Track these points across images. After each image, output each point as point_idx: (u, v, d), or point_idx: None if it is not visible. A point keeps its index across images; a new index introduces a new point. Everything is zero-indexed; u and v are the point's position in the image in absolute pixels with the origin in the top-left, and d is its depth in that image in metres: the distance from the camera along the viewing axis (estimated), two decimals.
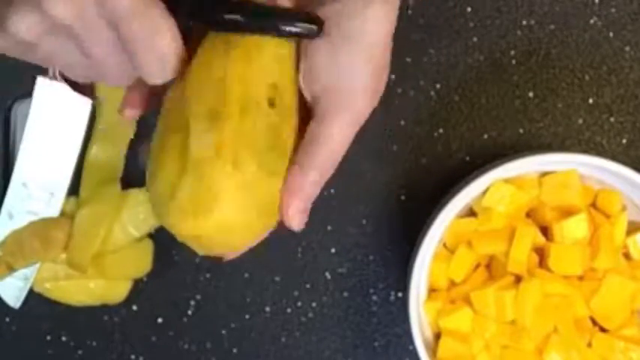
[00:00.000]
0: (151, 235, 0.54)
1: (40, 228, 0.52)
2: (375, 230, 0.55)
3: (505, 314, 0.48)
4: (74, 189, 0.54)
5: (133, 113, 0.39)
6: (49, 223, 0.53)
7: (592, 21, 0.54)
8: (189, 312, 0.56)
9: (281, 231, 0.56)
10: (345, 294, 0.56)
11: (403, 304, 0.55)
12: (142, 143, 0.54)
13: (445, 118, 0.55)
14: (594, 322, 0.50)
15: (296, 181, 0.36)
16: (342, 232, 0.55)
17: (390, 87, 0.55)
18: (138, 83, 0.36)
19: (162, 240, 0.54)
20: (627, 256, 0.51)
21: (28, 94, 0.52)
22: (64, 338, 0.56)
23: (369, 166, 0.55)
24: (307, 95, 0.37)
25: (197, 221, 0.34)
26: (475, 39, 0.54)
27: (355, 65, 0.35)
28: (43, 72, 0.51)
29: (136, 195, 0.53)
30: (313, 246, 0.55)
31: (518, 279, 0.49)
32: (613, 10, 0.54)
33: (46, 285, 0.53)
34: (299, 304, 0.56)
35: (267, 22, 0.34)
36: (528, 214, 0.51)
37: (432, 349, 0.50)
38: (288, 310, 0.56)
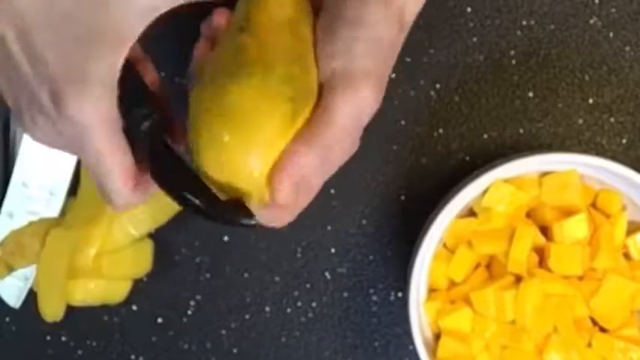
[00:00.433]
0: (151, 235, 0.54)
1: (40, 228, 0.52)
2: (375, 230, 0.55)
3: (505, 314, 0.48)
4: (74, 189, 0.54)
5: None
6: (49, 223, 0.53)
7: (592, 21, 0.54)
8: (189, 312, 0.56)
9: (281, 231, 0.56)
10: (345, 294, 0.56)
11: (403, 304, 0.55)
12: None
13: (445, 118, 0.55)
14: (594, 322, 0.50)
15: (292, 155, 0.35)
16: (342, 232, 0.55)
17: (390, 87, 0.55)
18: None
19: (163, 240, 0.55)
20: (627, 256, 0.51)
21: None
22: (64, 338, 0.56)
23: (369, 166, 0.55)
24: (320, 77, 0.37)
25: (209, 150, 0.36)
26: (475, 39, 0.54)
27: (361, 51, 0.36)
28: None
29: None
30: (313, 246, 0.55)
31: (518, 279, 0.49)
32: (613, 10, 0.54)
33: None
34: (299, 304, 0.56)
35: (217, 214, 0.36)
36: (528, 214, 0.51)
37: (432, 349, 0.50)
38: (288, 310, 0.56)
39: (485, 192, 0.50)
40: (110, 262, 0.53)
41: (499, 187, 0.50)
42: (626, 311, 0.50)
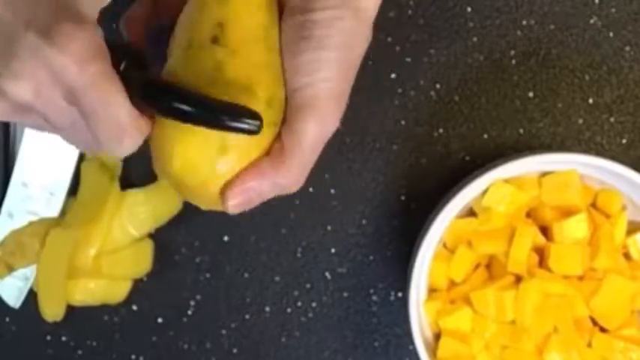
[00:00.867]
0: (151, 235, 0.54)
1: (40, 228, 0.52)
2: (375, 230, 0.55)
3: (505, 314, 0.48)
4: (74, 189, 0.54)
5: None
6: (49, 223, 0.53)
7: (592, 21, 0.54)
8: (189, 312, 0.56)
9: (281, 231, 0.56)
10: (345, 294, 0.56)
11: (403, 304, 0.55)
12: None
13: (445, 118, 0.55)
14: (594, 322, 0.50)
15: (256, 177, 0.36)
16: (342, 232, 0.55)
17: (390, 87, 0.55)
18: None
19: (162, 240, 0.55)
20: (627, 256, 0.51)
21: None
22: (64, 338, 0.56)
23: (369, 166, 0.55)
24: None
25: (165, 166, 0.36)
26: (475, 39, 0.54)
27: (323, 71, 0.36)
28: None
29: (136, 195, 0.53)
30: (313, 246, 0.55)
31: (518, 279, 0.49)
32: (613, 10, 0.54)
33: None
34: (299, 304, 0.56)
35: (213, 116, 0.34)
36: (528, 214, 0.51)
37: (432, 349, 0.50)
38: (288, 310, 0.56)
39: (485, 192, 0.50)
40: (110, 262, 0.53)
41: (499, 187, 0.50)
42: (626, 311, 0.50)
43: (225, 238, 0.55)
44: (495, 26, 0.54)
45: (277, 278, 0.56)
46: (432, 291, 0.51)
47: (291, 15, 0.36)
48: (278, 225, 0.55)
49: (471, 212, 0.51)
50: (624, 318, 0.50)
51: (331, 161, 0.54)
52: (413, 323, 0.49)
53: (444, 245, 0.51)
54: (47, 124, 0.35)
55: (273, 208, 0.53)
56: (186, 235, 0.55)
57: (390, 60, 0.54)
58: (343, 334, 0.56)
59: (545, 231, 0.50)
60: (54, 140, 0.53)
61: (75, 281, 0.53)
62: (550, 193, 0.50)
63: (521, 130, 0.55)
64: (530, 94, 0.55)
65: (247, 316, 0.56)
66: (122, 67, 0.35)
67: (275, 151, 0.36)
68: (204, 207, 0.38)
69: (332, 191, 0.55)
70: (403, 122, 0.55)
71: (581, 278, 0.50)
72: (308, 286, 0.56)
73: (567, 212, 0.50)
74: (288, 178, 0.36)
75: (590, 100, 0.55)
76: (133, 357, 0.56)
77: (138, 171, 0.54)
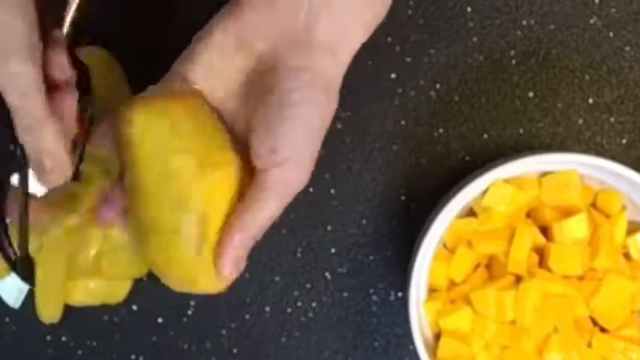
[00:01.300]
0: None
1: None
2: (375, 230, 0.55)
3: (505, 314, 0.48)
4: None
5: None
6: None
7: (592, 21, 0.54)
8: (189, 312, 0.56)
9: (281, 231, 0.56)
10: (345, 294, 0.56)
11: (403, 304, 0.55)
12: None
13: (445, 118, 0.55)
14: (594, 322, 0.50)
15: (229, 241, 0.39)
16: (342, 232, 0.55)
17: (390, 87, 0.55)
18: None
19: None
20: (627, 256, 0.51)
21: None
22: (64, 338, 0.56)
23: (369, 166, 0.55)
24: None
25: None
26: (475, 39, 0.54)
27: (291, 141, 0.39)
28: None
29: None
30: (313, 246, 0.55)
31: (518, 279, 0.49)
32: (613, 10, 0.54)
33: None
34: (299, 304, 0.56)
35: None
36: (528, 214, 0.51)
37: (432, 349, 0.50)
38: (288, 310, 0.56)
39: (485, 192, 0.50)
40: (110, 262, 0.53)
41: (499, 187, 0.50)
42: (626, 311, 0.50)
43: None
44: (495, 26, 0.54)
45: (277, 278, 0.56)
46: (432, 291, 0.51)
47: (269, 94, 0.39)
48: (278, 225, 0.55)
49: (471, 212, 0.51)
50: (624, 318, 0.50)
51: (331, 161, 0.54)
52: (413, 323, 0.49)
53: (444, 245, 0.51)
54: None
55: None
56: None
57: (390, 60, 0.54)
58: (343, 334, 0.56)
59: (545, 231, 0.50)
60: None
61: (74, 281, 0.52)
62: (550, 193, 0.50)
63: (521, 130, 0.55)
64: (530, 94, 0.55)
65: (247, 316, 0.56)
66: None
67: (240, 212, 0.40)
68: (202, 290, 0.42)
69: (332, 191, 0.55)
70: (403, 122, 0.55)
71: (581, 278, 0.50)
72: (308, 286, 0.56)
73: (567, 212, 0.50)
74: (254, 230, 0.40)
75: (590, 100, 0.55)
76: (133, 357, 0.56)
77: None
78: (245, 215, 0.39)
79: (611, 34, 0.54)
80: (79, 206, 0.49)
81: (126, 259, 0.54)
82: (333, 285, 0.56)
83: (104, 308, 0.55)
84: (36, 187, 0.54)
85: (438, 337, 0.50)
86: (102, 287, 0.53)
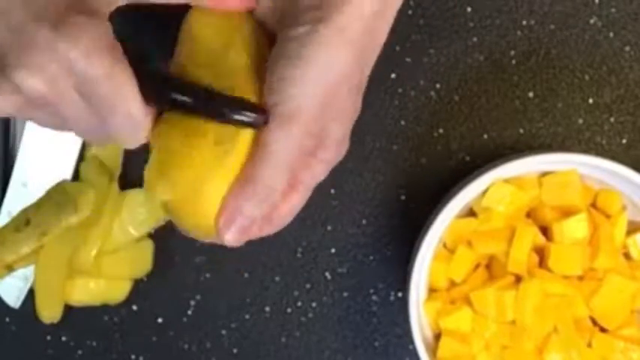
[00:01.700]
0: (150, 235, 0.54)
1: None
2: (375, 230, 0.55)
3: (505, 314, 0.48)
4: None
5: None
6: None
7: (592, 21, 0.54)
8: (189, 312, 0.56)
9: (281, 231, 0.56)
10: (345, 294, 0.56)
11: (403, 304, 0.55)
12: None
13: (445, 118, 0.55)
14: (594, 322, 0.50)
15: (232, 203, 0.36)
16: (342, 232, 0.55)
17: (390, 87, 0.55)
18: None
19: (162, 240, 0.54)
20: (627, 256, 0.51)
21: None
22: (64, 338, 0.56)
23: (369, 166, 0.55)
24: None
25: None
26: (475, 39, 0.54)
27: (306, 85, 0.35)
28: None
29: (136, 195, 0.53)
30: (313, 246, 0.55)
31: (518, 279, 0.49)
32: (613, 10, 0.54)
33: None
34: (299, 304, 0.56)
35: (215, 108, 0.35)
36: (528, 214, 0.51)
37: (432, 349, 0.50)
38: (288, 310, 0.56)
39: (485, 192, 0.50)
40: (110, 262, 0.53)
41: (499, 187, 0.50)
42: (626, 311, 0.50)
43: None
44: (495, 26, 0.54)
45: (277, 278, 0.56)
46: (432, 291, 0.51)
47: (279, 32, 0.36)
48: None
49: (471, 212, 0.51)
50: (624, 318, 0.50)
51: None
52: (413, 323, 0.49)
53: (444, 245, 0.51)
54: (58, 118, 0.35)
55: None
56: (186, 235, 0.55)
57: (390, 60, 0.54)
58: (343, 334, 0.56)
59: (545, 231, 0.50)
60: (54, 140, 0.53)
61: (74, 281, 0.53)
62: (550, 193, 0.50)
63: (521, 130, 0.55)
64: (530, 94, 0.55)
65: (247, 316, 0.56)
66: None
67: (245, 170, 0.36)
68: (202, 237, 0.39)
69: (332, 191, 0.55)
70: (403, 122, 0.55)
71: (581, 278, 0.50)
72: (308, 286, 0.56)
73: (567, 212, 0.50)
74: (261, 193, 0.36)
75: (590, 100, 0.55)
76: (133, 357, 0.56)
77: (137, 171, 0.54)
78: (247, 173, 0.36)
79: (611, 34, 0.54)
80: (79, 206, 0.49)
81: (126, 259, 0.54)
82: (333, 285, 0.56)
83: (104, 308, 0.55)
84: (36, 186, 0.54)
85: (438, 337, 0.50)
86: (102, 287, 0.54)
